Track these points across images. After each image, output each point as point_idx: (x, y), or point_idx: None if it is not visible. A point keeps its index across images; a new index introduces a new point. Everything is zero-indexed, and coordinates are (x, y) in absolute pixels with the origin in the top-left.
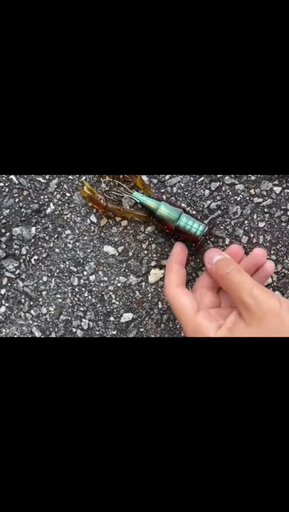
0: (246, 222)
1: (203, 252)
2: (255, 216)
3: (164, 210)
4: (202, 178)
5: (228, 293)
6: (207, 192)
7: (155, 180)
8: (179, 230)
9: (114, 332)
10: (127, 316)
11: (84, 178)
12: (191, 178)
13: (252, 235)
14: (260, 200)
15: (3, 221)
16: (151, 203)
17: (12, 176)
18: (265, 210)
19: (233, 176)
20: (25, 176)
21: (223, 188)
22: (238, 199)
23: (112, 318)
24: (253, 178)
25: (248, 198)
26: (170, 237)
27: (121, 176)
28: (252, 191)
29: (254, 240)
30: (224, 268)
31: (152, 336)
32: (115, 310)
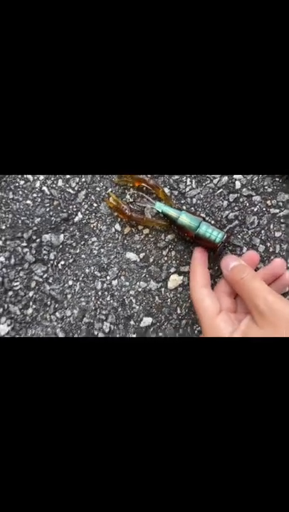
0: (263, 231)
1: (221, 260)
2: (271, 226)
3: (184, 218)
4: (221, 189)
5: (242, 298)
6: (225, 203)
7: (176, 192)
8: (199, 238)
9: (134, 335)
10: (147, 321)
11: (110, 190)
12: (210, 190)
13: (268, 244)
14: (277, 210)
15: (34, 228)
16: (172, 212)
17: (44, 188)
18: (282, 220)
19: (250, 187)
20: (56, 187)
21: (241, 200)
22: (255, 210)
23: (132, 322)
24: (269, 190)
25: (264, 209)
26: (190, 245)
27: (144, 188)
28: (268, 202)
29: (271, 249)
30: (239, 274)
31: None
32: (135, 314)
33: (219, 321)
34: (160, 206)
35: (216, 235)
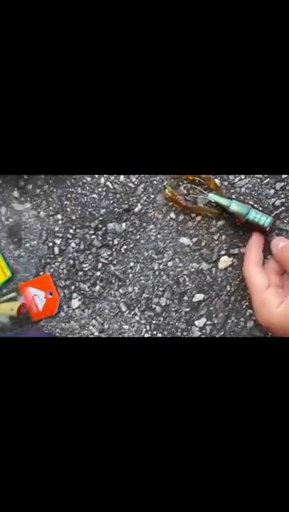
0: None
1: (271, 240)
2: None
3: (235, 206)
4: (268, 179)
5: None
6: (272, 191)
7: (226, 183)
8: (248, 223)
9: (188, 309)
10: (199, 297)
11: (166, 182)
12: (258, 180)
13: None
14: None
15: (100, 218)
16: (224, 201)
17: (108, 183)
18: None
19: None
20: (118, 182)
21: (287, 187)
22: None
23: (186, 298)
24: None
25: None
26: (239, 230)
27: (197, 180)
28: None
29: None
30: (288, 252)
31: (221, 315)
32: (189, 291)
33: (268, 294)
34: (212, 196)
35: (264, 220)
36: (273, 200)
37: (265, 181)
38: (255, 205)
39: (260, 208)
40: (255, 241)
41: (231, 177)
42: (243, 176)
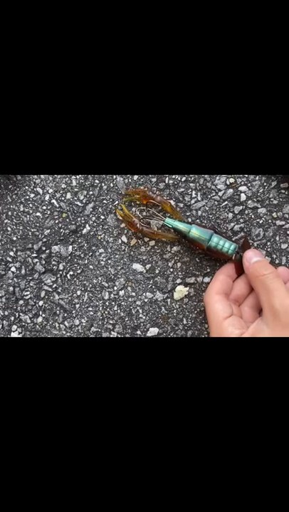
0: (269, 243)
1: (244, 251)
2: (277, 238)
3: (195, 232)
4: (226, 202)
5: (257, 294)
6: (231, 215)
7: (181, 205)
8: (211, 250)
9: None
10: (153, 331)
11: (117, 202)
12: (215, 202)
13: (274, 256)
14: (283, 222)
15: (44, 240)
16: (182, 226)
17: (54, 200)
18: (288, 232)
19: (255, 200)
20: (65, 200)
21: (246, 212)
22: (261, 222)
23: (138, 332)
24: (275, 202)
25: (270, 221)
26: (195, 256)
27: (150, 202)
28: (274, 214)
29: (277, 261)
30: (262, 270)
31: None
32: (142, 324)
33: (227, 325)
34: (170, 222)
35: (227, 247)
36: (232, 224)
37: (223, 204)
38: (219, 229)
39: (224, 231)
40: (224, 269)
41: (187, 198)
42: (199, 198)
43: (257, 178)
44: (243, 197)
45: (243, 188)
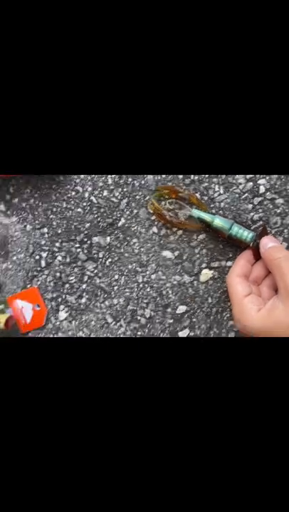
0: (286, 230)
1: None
2: None
3: (218, 222)
4: (246, 194)
5: (273, 275)
6: (250, 206)
7: (205, 198)
8: (231, 238)
9: (171, 321)
10: (182, 308)
11: (148, 197)
12: (236, 195)
13: None
14: None
15: (85, 232)
16: (207, 217)
17: (92, 197)
18: None
19: (273, 191)
20: (102, 197)
21: (265, 202)
22: (278, 211)
23: (169, 310)
24: None
25: (287, 210)
26: (219, 243)
27: (178, 195)
28: None
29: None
30: (275, 253)
31: (203, 326)
32: (172, 303)
33: (247, 301)
34: (195, 212)
35: (246, 235)
36: (252, 214)
37: (243, 196)
38: (238, 221)
39: (243, 223)
40: (245, 253)
41: (211, 192)
42: (222, 191)
43: None
44: (261, 189)
45: (261, 181)
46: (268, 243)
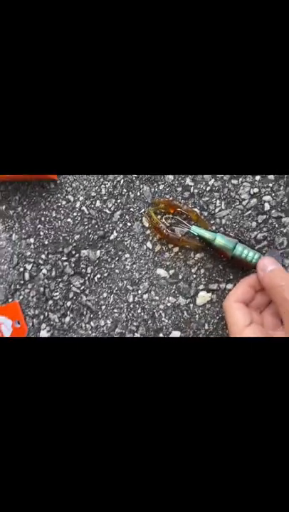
0: None
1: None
2: None
3: (220, 240)
4: (249, 211)
5: (276, 304)
6: (254, 224)
7: (205, 213)
8: (235, 259)
9: None
10: (175, 334)
11: (144, 210)
12: (239, 211)
13: None
14: None
15: (74, 244)
16: (208, 235)
17: (84, 208)
18: None
19: (279, 209)
20: (94, 208)
21: (270, 221)
22: (285, 231)
23: (161, 335)
24: None
25: None
26: (218, 263)
27: (178, 212)
28: None
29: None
30: (278, 280)
31: None
32: (164, 327)
33: (248, 333)
34: (196, 229)
35: (252, 256)
36: (255, 233)
37: (247, 213)
38: (242, 239)
39: (247, 243)
40: (248, 279)
41: (211, 207)
42: (223, 206)
43: (281, 188)
44: (266, 206)
45: (267, 198)
46: (267, 266)
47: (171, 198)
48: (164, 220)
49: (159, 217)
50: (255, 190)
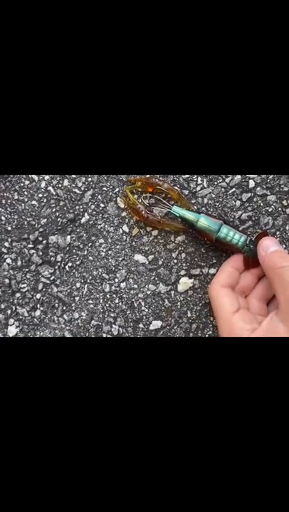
0: (278, 233)
1: (259, 239)
2: (287, 227)
3: (203, 222)
4: (233, 189)
5: (274, 287)
6: (238, 203)
7: (186, 191)
8: (219, 242)
9: None
10: (156, 324)
11: (118, 189)
12: (222, 189)
13: (284, 246)
14: None
15: (41, 230)
16: (190, 216)
17: (50, 188)
18: None
19: (264, 186)
20: (62, 187)
21: (255, 199)
22: (270, 210)
23: (141, 325)
24: (285, 188)
25: (280, 209)
26: (200, 247)
27: (157, 187)
28: (284, 202)
29: (286, 251)
30: (280, 261)
31: None
32: (144, 317)
33: (237, 319)
34: (177, 210)
35: (238, 239)
36: (240, 213)
37: (230, 191)
38: (227, 220)
39: (231, 223)
40: (232, 261)
41: (192, 185)
42: (205, 184)
43: None
44: (251, 183)
45: (251, 175)
46: (270, 246)
47: (148, 176)
48: (142, 200)
49: (136, 196)
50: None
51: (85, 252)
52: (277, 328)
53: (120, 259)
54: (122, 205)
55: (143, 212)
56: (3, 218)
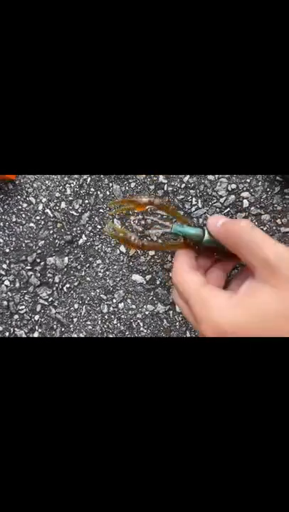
0: None
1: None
2: None
3: (211, 237)
4: (228, 209)
5: (241, 254)
6: None
7: (181, 212)
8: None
9: None
10: None
11: (108, 214)
12: (217, 209)
13: None
14: (288, 229)
15: (39, 251)
16: (195, 232)
17: (47, 210)
18: None
19: (258, 206)
20: (59, 210)
21: (249, 218)
22: (265, 229)
23: None
24: (279, 208)
25: (274, 228)
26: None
27: (149, 210)
28: (278, 221)
29: None
30: (233, 226)
31: None
32: None
33: (209, 290)
34: (179, 229)
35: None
36: None
37: (225, 211)
38: None
39: None
40: (184, 250)
41: (187, 206)
42: (200, 205)
43: (260, 183)
44: (245, 203)
45: (245, 194)
46: (216, 221)
47: (136, 196)
48: (134, 224)
49: (132, 218)
50: (233, 186)
51: (83, 273)
52: (259, 291)
53: (118, 279)
54: (119, 226)
55: (136, 241)
56: (1, 240)
